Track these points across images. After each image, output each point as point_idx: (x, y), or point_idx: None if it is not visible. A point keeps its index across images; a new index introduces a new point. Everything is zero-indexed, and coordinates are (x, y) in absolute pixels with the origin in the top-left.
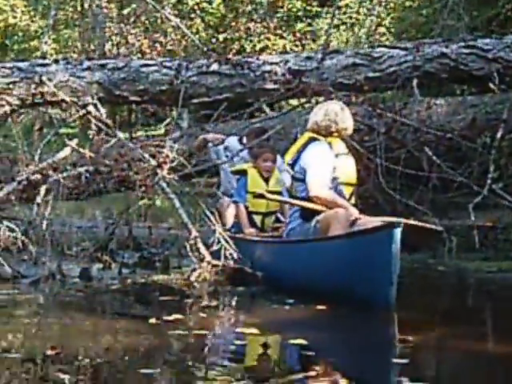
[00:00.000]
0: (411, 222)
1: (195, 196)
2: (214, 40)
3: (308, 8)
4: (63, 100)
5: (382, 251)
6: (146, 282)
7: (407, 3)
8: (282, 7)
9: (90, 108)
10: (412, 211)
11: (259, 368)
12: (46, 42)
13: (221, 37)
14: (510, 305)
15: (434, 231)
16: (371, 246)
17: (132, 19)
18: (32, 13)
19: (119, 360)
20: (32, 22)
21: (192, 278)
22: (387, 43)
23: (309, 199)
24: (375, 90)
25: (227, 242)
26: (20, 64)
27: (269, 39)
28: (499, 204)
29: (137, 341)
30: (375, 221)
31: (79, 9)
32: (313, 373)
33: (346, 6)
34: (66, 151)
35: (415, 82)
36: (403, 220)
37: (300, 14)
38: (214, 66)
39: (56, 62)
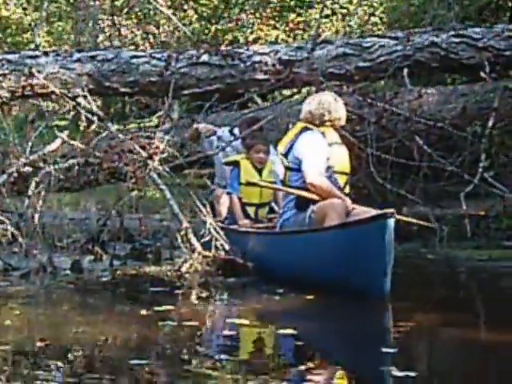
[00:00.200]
0: (405, 218)
1: (186, 187)
2: (206, 31)
3: None
4: (53, 92)
5: (376, 241)
6: (137, 273)
7: None
8: None
9: (80, 100)
10: (403, 200)
11: (251, 359)
12: (39, 35)
13: (213, 28)
14: (501, 293)
15: (426, 226)
16: (365, 237)
17: (125, 11)
18: (25, 5)
19: (110, 351)
20: (25, 14)
21: (183, 269)
22: (379, 33)
23: (303, 189)
24: (366, 79)
25: (218, 232)
26: (9, 56)
27: (261, 30)
28: (491, 193)
29: (127, 332)
30: (369, 211)
31: (72, 1)
32: (303, 363)
33: None
34: (57, 143)
35: (406, 71)
36: (397, 216)
37: (292, 3)
38: (204, 57)
39: (46, 54)
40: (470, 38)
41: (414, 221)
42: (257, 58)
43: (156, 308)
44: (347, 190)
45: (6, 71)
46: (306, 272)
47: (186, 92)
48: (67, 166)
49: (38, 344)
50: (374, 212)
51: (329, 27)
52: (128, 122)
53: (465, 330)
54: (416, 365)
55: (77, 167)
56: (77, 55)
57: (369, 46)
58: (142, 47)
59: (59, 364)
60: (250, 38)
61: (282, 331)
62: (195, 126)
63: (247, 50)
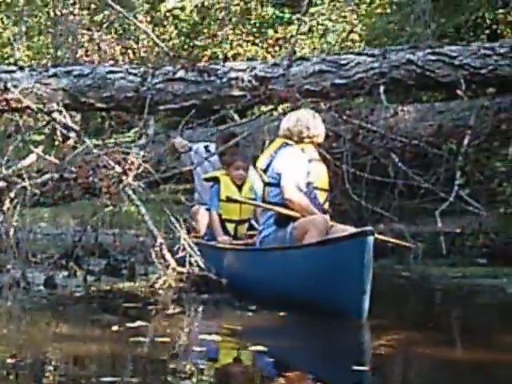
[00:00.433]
0: (383, 237)
1: (161, 203)
2: (186, 47)
3: (280, 15)
4: (28, 107)
5: (355, 260)
6: (110, 289)
7: (378, 10)
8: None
9: (55, 115)
10: (379, 217)
11: (221, 376)
12: (18, 49)
13: (193, 43)
14: (475, 311)
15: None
16: (344, 255)
17: (105, 25)
18: (5, 20)
19: (81, 368)
20: (4, 29)
21: (157, 286)
22: (357, 50)
23: (282, 205)
24: (342, 96)
25: (192, 248)
26: None
27: (241, 46)
28: (466, 210)
29: (99, 348)
30: (347, 229)
31: (51, 15)
32: (273, 380)
33: (316, 13)
34: (32, 158)
35: (382, 88)
36: (376, 235)
37: (271, 21)
38: (181, 73)
39: (21, 68)
40: (446, 55)
41: (392, 240)
42: (233, 75)
43: (128, 324)
44: (326, 206)
45: None
46: (284, 289)
47: (161, 108)
48: (42, 181)
49: (8, 360)
50: (352, 230)
51: (308, 44)
52: (106, 137)
53: (439, 349)
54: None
55: (51, 182)
56: (52, 70)
57: (345, 63)
58: (121, 62)
59: (29, 381)
60: (229, 54)
61: (253, 348)
62: (172, 141)
63: (223, 66)
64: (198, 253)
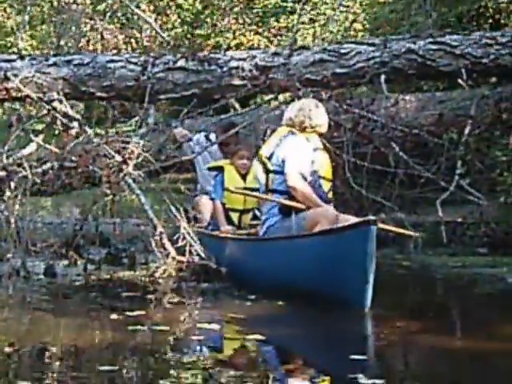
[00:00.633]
0: (386, 226)
1: (161, 192)
2: (189, 36)
3: (283, 4)
4: (28, 96)
5: (358, 249)
6: (110, 278)
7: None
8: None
9: (56, 104)
10: (380, 207)
11: (220, 364)
12: (21, 39)
13: (196, 33)
14: (474, 300)
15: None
16: (347, 244)
17: (108, 15)
18: (8, 9)
19: (80, 357)
20: (8, 18)
21: (157, 275)
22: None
23: (286, 193)
24: (343, 85)
25: (192, 237)
26: None
27: (244, 35)
28: (467, 200)
29: (98, 337)
30: (350, 219)
31: (54, 5)
32: (269, 369)
33: (318, 2)
34: (32, 147)
35: (383, 77)
36: (380, 225)
37: (274, 10)
38: (181, 62)
39: (21, 57)
40: (447, 45)
41: (395, 229)
42: (234, 64)
43: (128, 313)
44: (330, 195)
45: None
46: (287, 279)
47: (162, 97)
48: (42, 170)
49: (7, 349)
50: (356, 219)
51: (311, 33)
52: (108, 126)
53: (438, 338)
54: (385, 372)
55: (52, 171)
56: (53, 59)
57: (346, 53)
58: (124, 52)
59: (27, 369)
60: (232, 44)
61: (253, 336)
62: (174, 131)
63: (224, 55)
64: (198, 242)
